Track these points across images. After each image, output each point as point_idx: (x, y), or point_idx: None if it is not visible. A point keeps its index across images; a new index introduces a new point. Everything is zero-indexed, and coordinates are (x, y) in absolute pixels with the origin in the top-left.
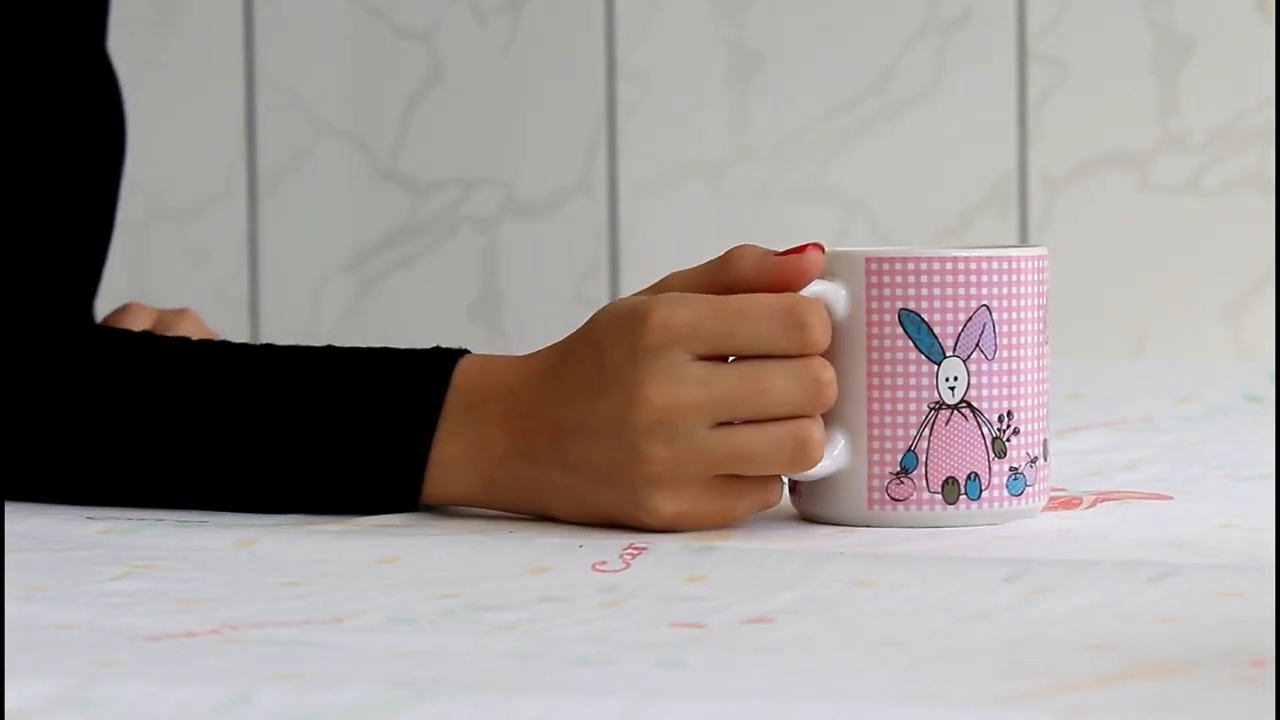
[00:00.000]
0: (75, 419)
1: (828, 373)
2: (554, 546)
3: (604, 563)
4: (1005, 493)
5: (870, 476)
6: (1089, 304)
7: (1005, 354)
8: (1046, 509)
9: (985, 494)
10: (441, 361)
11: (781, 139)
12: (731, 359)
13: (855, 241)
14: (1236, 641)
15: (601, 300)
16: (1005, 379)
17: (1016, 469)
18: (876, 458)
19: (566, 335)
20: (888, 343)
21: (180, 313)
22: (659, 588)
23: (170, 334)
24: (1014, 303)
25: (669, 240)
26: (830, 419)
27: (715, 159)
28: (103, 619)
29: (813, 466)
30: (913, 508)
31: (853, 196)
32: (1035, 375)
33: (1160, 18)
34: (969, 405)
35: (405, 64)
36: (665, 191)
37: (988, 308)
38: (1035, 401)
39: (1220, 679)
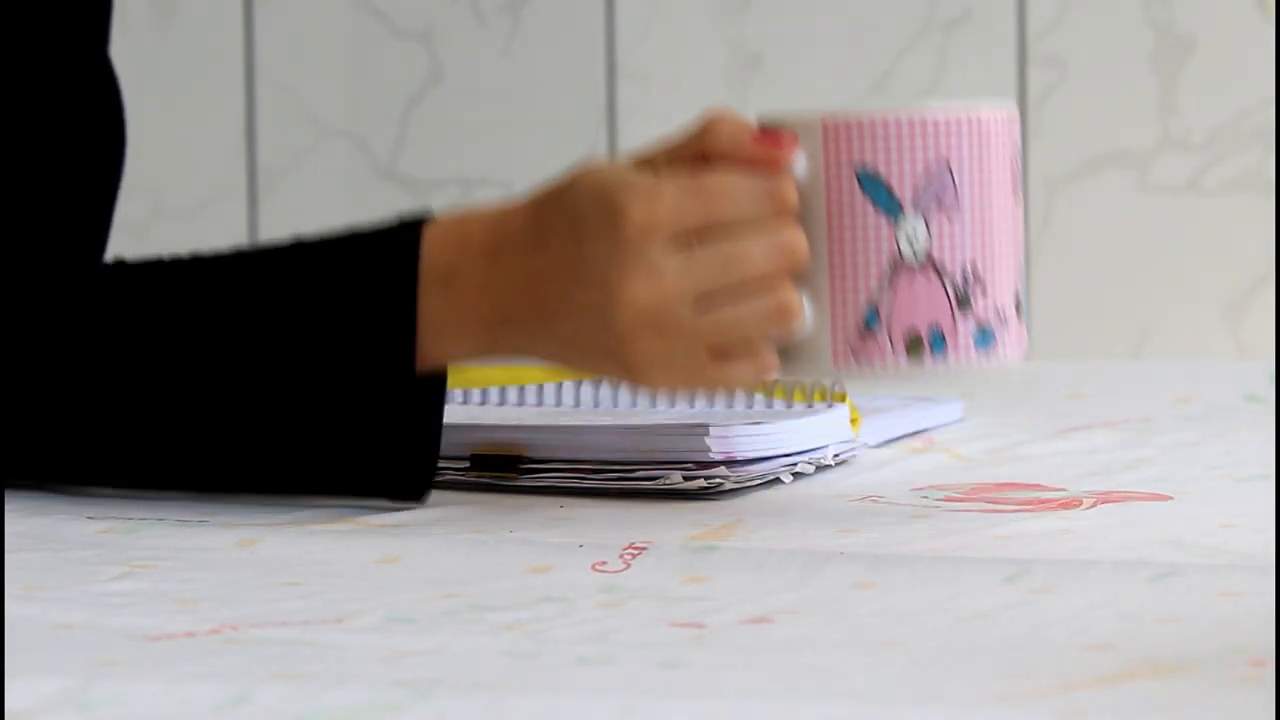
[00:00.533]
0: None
1: (799, 238)
2: (554, 546)
3: (604, 563)
4: (971, 348)
5: (835, 335)
6: (1089, 304)
7: (968, 211)
8: (1046, 509)
9: (951, 349)
10: (408, 235)
11: None
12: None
13: None
14: (1236, 641)
15: None
16: (968, 235)
17: (984, 325)
18: (840, 317)
19: (541, 190)
20: (846, 202)
21: None
22: (659, 588)
23: None
24: (977, 160)
25: None
26: (798, 282)
27: None
28: (103, 619)
29: (789, 325)
30: (878, 364)
31: None
32: (1003, 232)
33: (1160, 18)
34: (931, 262)
35: (405, 64)
36: None
37: (948, 165)
38: (1003, 258)
39: (1220, 679)
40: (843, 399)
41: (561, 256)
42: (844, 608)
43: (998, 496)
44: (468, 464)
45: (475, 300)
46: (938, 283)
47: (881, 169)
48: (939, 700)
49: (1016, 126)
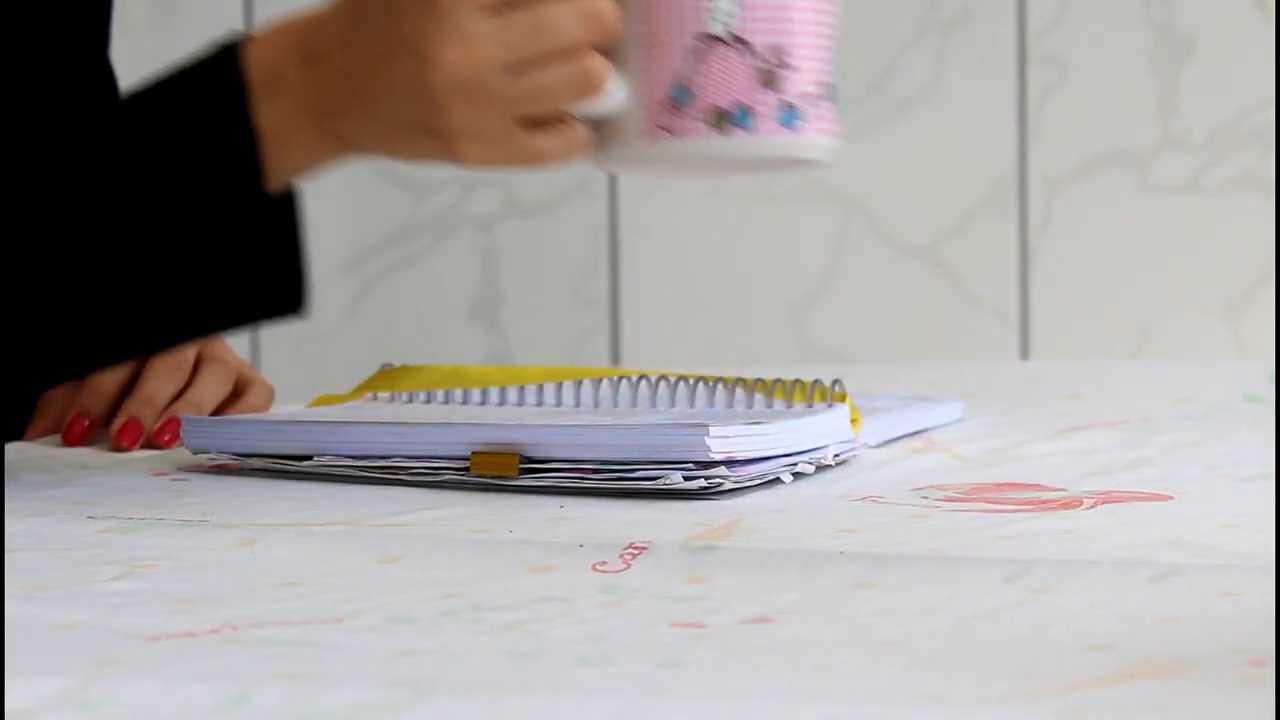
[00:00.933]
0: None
1: (605, 5)
2: (554, 546)
3: (604, 563)
4: (777, 125)
5: (643, 109)
6: (1089, 304)
7: None
8: (1046, 509)
9: (755, 125)
10: (227, 54)
11: None
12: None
13: (856, 241)
14: (1236, 641)
15: (602, 300)
16: (776, 13)
17: (789, 103)
18: (649, 90)
19: None
20: None
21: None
22: (659, 588)
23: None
24: None
25: (669, 240)
26: (607, 57)
27: None
28: (103, 619)
29: (599, 94)
30: (684, 138)
31: (853, 196)
32: (813, 13)
33: (1160, 18)
34: (737, 38)
35: None
36: (665, 191)
37: None
38: (813, 39)
39: (1220, 679)
40: (843, 399)
41: (377, 35)
42: (844, 608)
43: (998, 496)
44: (468, 464)
45: (300, 99)
46: (745, 60)
47: None
48: (939, 700)
49: None
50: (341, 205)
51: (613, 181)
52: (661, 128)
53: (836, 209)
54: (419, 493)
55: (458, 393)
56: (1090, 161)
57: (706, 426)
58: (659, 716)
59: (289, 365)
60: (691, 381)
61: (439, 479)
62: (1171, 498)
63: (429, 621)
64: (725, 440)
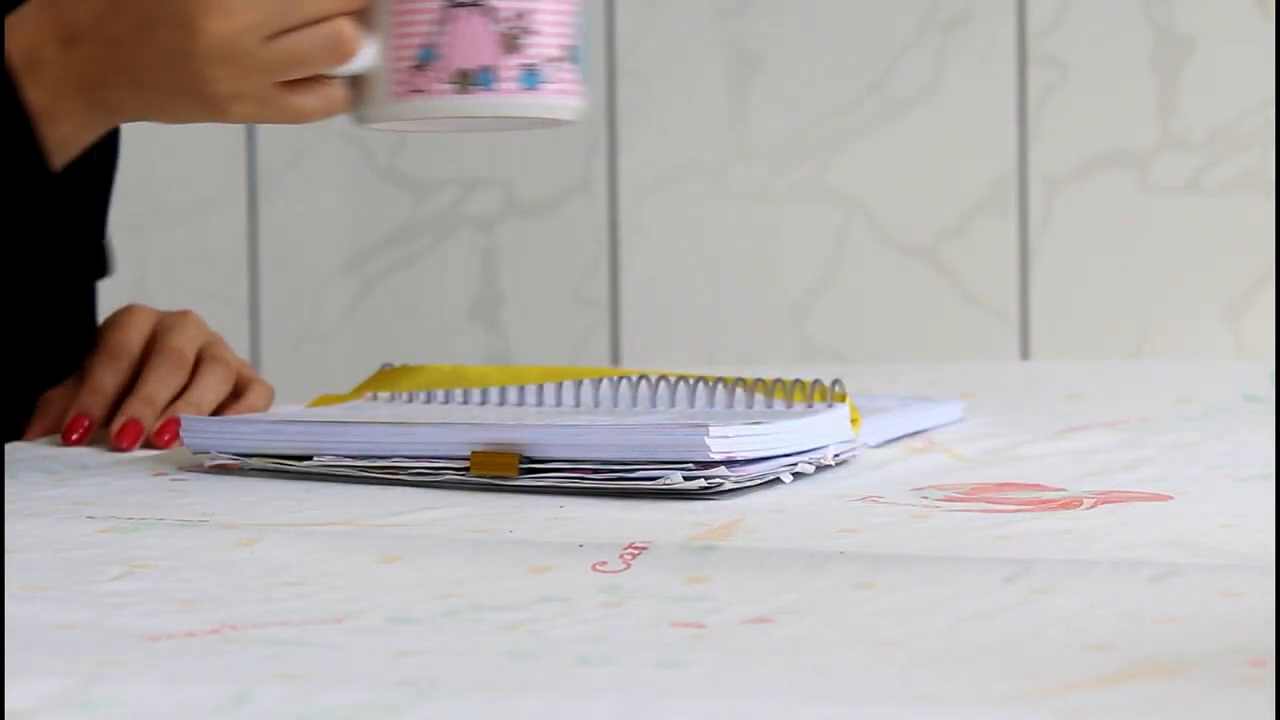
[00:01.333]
0: None
1: None
2: (554, 546)
3: (604, 563)
4: (518, 86)
5: (393, 70)
6: (1089, 304)
7: None
8: (1046, 509)
9: (498, 85)
10: None
11: (781, 139)
12: None
13: (856, 241)
14: (1236, 641)
15: (602, 300)
16: None
17: (532, 65)
18: (398, 52)
19: None
20: None
21: (182, 314)
22: (659, 588)
23: (171, 336)
24: None
25: (669, 240)
26: (360, 22)
27: (715, 159)
28: (103, 619)
29: (352, 59)
30: (431, 97)
31: (853, 196)
32: None
33: (1160, 18)
34: (482, 4)
35: None
36: (665, 191)
37: None
38: (556, 5)
39: (1220, 679)
40: (843, 399)
41: (138, 6)
42: (844, 608)
43: (998, 496)
44: (467, 464)
45: (62, 76)
46: (488, 25)
47: None
48: (939, 700)
49: None
50: (341, 205)
51: (613, 181)
52: (410, 88)
53: (836, 209)
54: (419, 493)
55: (458, 393)
56: (1090, 161)
57: (706, 426)
58: (659, 716)
59: (289, 365)
60: (691, 381)
61: (439, 479)
62: (1171, 498)
63: (429, 621)
64: (725, 440)
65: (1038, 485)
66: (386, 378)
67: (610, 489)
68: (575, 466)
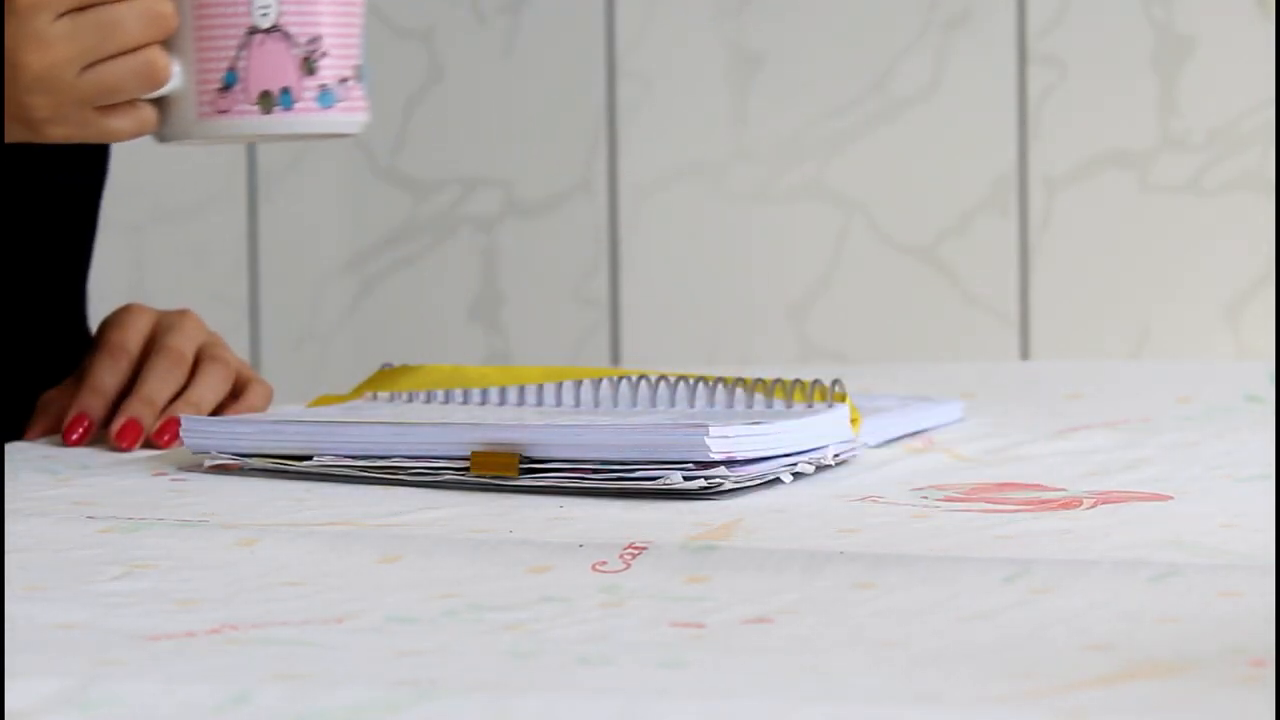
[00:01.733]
0: None
1: (166, 6)
2: (554, 546)
3: (604, 563)
4: (316, 105)
5: (199, 92)
6: (1089, 304)
7: None
8: (1046, 509)
9: (298, 105)
10: None
11: (781, 139)
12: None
13: (856, 241)
14: (1236, 641)
15: (602, 300)
16: (313, 8)
17: (326, 86)
18: (203, 76)
19: None
20: None
21: (181, 313)
22: (659, 588)
23: (170, 335)
24: None
25: (669, 240)
26: (169, 48)
27: (715, 159)
28: (103, 619)
29: (163, 85)
30: (235, 117)
31: (852, 196)
32: (343, 8)
33: (1160, 18)
34: (280, 30)
35: (405, 64)
36: (665, 191)
37: None
38: (344, 31)
39: (1220, 679)
40: (843, 399)
41: None
42: (844, 608)
43: (998, 496)
44: (467, 464)
45: None
46: (287, 49)
47: None
48: (939, 700)
49: None
50: (341, 205)
51: (613, 181)
52: (216, 108)
53: (836, 209)
54: (419, 493)
55: (458, 392)
56: (1090, 161)
57: (706, 426)
58: (659, 716)
59: (289, 365)
60: (691, 381)
61: (439, 479)
62: (1171, 498)
63: (429, 621)
64: (725, 440)
65: (1038, 485)
66: (386, 378)
67: (610, 489)
68: (575, 466)
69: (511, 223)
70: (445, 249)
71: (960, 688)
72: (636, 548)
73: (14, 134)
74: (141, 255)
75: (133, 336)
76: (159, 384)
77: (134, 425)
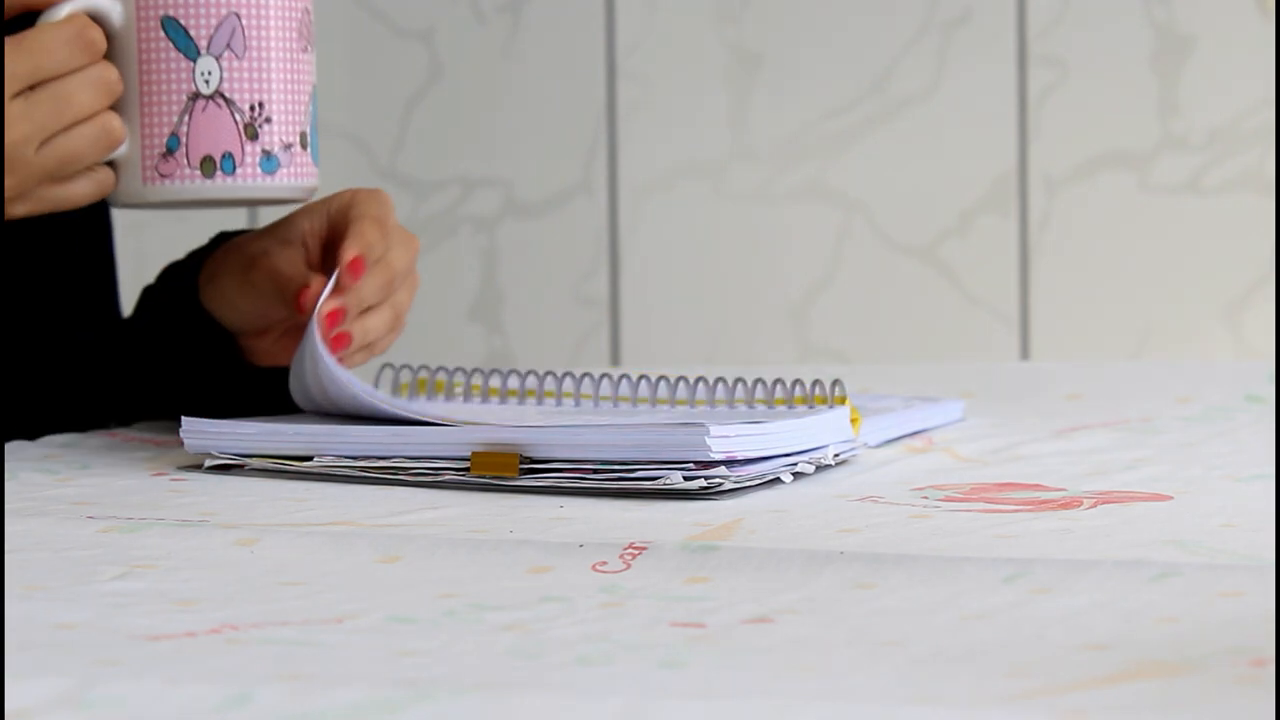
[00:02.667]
0: None
1: (112, 72)
2: (554, 546)
3: (604, 563)
4: (259, 171)
5: (144, 158)
6: (1089, 304)
7: (255, 54)
8: (1046, 509)
9: (240, 171)
10: None
11: (781, 139)
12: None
13: (856, 241)
14: (1236, 641)
15: (602, 300)
16: (256, 75)
17: (269, 152)
18: (147, 142)
19: None
20: (153, 45)
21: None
22: (659, 588)
23: (394, 251)
24: (264, 11)
25: (669, 240)
26: (117, 112)
27: (715, 159)
28: (103, 619)
29: (118, 147)
30: (178, 182)
31: (853, 196)
32: (288, 74)
33: (1160, 18)
34: (222, 96)
35: (405, 64)
36: (665, 191)
37: (237, 15)
38: (288, 98)
39: (1220, 679)
40: (843, 400)
41: None
42: (844, 608)
43: (998, 496)
44: (467, 464)
45: None
46: (228, 114)
47: (181, 16)
48: (939, 700)
49: None
50: None
51: (613, 181)
52: (159, 173)
53: (836, 209)
54: (419, 493)
55: (458, 391)
56: (1090, 161)
57: (706, 426)
58: (659, 716)
59: None
60: (691, 381)
61: (439, 479)
62: (1171, 498)
63: (429, 621)
64: (725, 440)
65: (1038, 485)
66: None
67: (610, 489)
68: (575, 466)
69: (511, 223)
70: (445, 249)
71: (960, 688)
72: (636, 548)
73: None
74: (141, 255)
75: (382, 249)
76: (369, 295)
77: (347, 339)
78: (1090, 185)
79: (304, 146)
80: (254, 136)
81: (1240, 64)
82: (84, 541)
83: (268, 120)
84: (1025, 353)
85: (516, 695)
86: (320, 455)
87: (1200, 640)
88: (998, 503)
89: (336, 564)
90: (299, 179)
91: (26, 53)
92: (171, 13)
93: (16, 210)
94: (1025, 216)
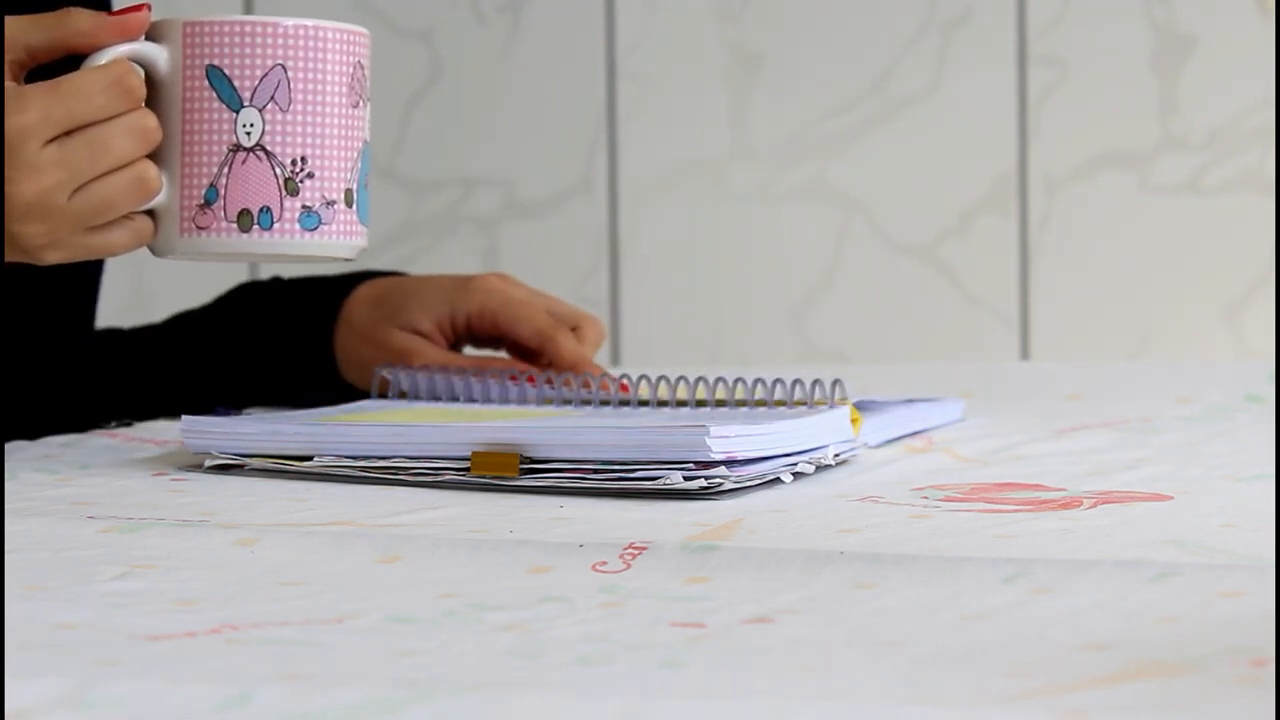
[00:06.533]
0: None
1: (151, 120)
2: (554, 546)
3: (604, 563)
4: (298, 227)
5: (182, 209)
6: (1089, 304)
7: (300, 108)
8: (1046, 509)
9: (278, 226)
10: None
11: (781, 139)
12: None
13: (856, 241)
14: (1236, 641)
15: (602, 300)
16: (300, 129)
17: (310, 208)
18: (186, 192)
19: None
20: (197, 94)
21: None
22: (659, 588)
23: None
24: (313, 64)
25: (669, 240)
26: (155, 161)
27: (715, 159)
28: (103, 619)
29: (154, 197)
30: (214, 235)
31: (853, 196)
32: (334, 130)
33: (1160, 18)
34: (263, 148)
35: (405, 64)
36: (665, 191)
37: (283, 67)
38: (334, 153)
39: (1220, 679)
40: (843, 400)
41: None
42: (844, 608)
43: (998, 496)
44: (468, 464)
45: None
46: (268, 167)
47: (227, 66)
48: (939, 700)
49: (363, 40)
50: None
51: (613, 181)
52: (196, 225)
53: (836, 209)
54: (419, 493)
55: (459, 391)
56: (1090, 161)
57: (706, 426)
58: (659, 716)
59: None
60: (691, 381)
61: (439, 479)
62: (1171, 498)
63: (429, 621)
64: (725, 440)
65: (1038, 485)
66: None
67: (610, 489)
68: (575, 466)
69: (511, 223)
70: (445, 249)
71: (960, 688)
72: (636, 548)
73: (12, 255)
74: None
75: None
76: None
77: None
78: (1090, 185)
79: (349, 204)
80: (294, 191)
81: (1240, 64)
82: (84, 541)
83: (310, 175)
84: (1025, 353)
85: (516, 695)
86: (320, 455)
87: (1200, 640)
88: (998, 503)
89: (336, 564)
90: (342, 237)
91: (64, 97)
92: (217, 62)
93: (50, 257)
94: (1025, 216)
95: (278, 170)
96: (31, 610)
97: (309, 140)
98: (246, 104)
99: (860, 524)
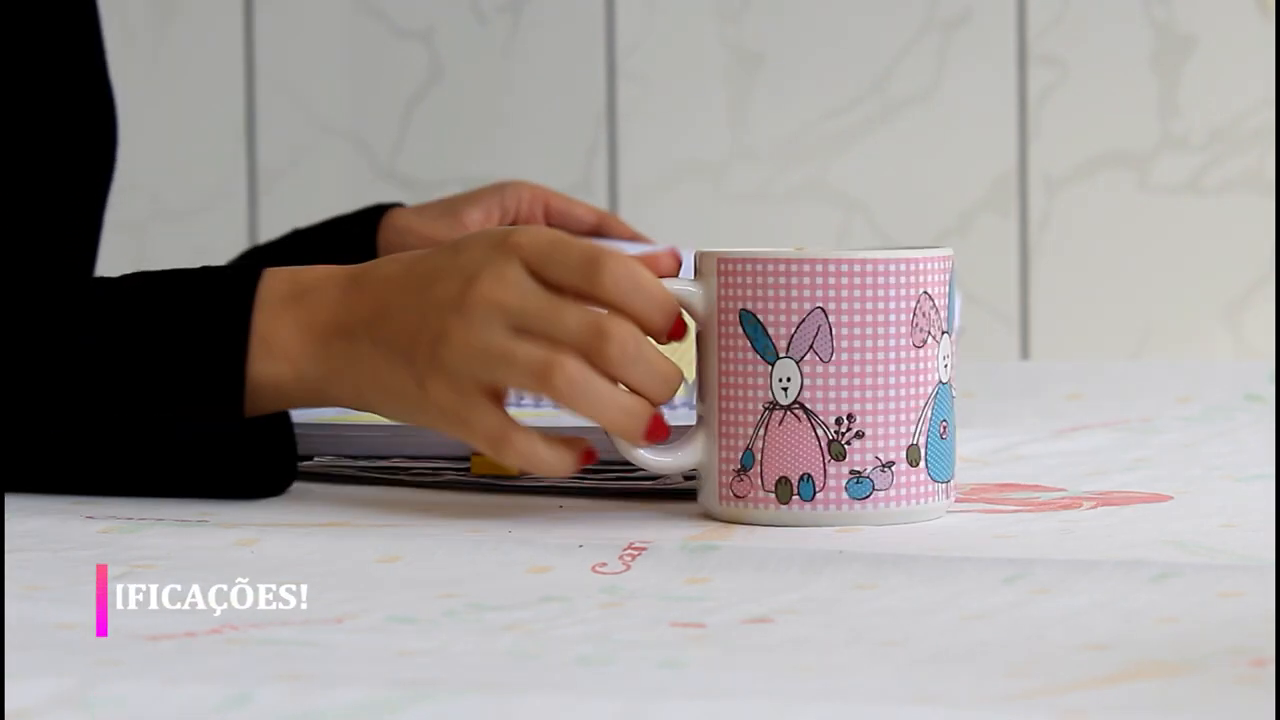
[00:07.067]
0: None
1: (615, 327)
2: (554, 546)
3: (604, 563)
4: (845, 496)
5: (719, 473)
6: (1089, 304)
7: (844, 357)
8: (1046, 509)
9: (820, 495)
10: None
11: (781, 139)
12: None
13: (856, 241)
14: (1236, 641)
15: None
16: (843, 381)
17: (859, 473)
18: (724, 454)
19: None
20: (731, 342)
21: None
22: (659, 588)
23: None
24: (856, 305)
25: (669, 240)
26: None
27: (715, 159)
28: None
29: (551, 389)
30: (751, 505)
31: (853, 196)
32: (893, 378)
33: (1160, 18)
34: (802, 406)
35: (405, 64)
36: (665, 191)
37: (823, 310)
38: (889, 406)
39: (1220, 679)
40: None
41: (432, 266)
42: (844, 608)
43: (998, 496)
44: (468, 464)
45: (321, 310)
46: (809, 428)
47: (761, 311)
48: (939, 700)
49: (934, 266)
50: (341, 205)
51: (612, 181)
52: (734, 493)
53: (837, 209)
54: (419, 493)
55: None
56: (1090, 161)
57: None
58: (659, 716)
59: None
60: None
61: (439, 479)
62: (1171, 498)
63: (429, 621)
64: None
65: (1038, 485)
66: None
67: (610, 489)
68: None
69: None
70: None
71: (960, 688)
72: (636, 548)
73: (410, 361)
74: (142, 254)
75: None
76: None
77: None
78: (1090, 185)
79: (913, 463)
80: (839, 455)
81: (1240, 64)
82: (84, 541)
83: (858, 435)
84: (1025, 352)
85: (516, 695)
86: (320, 455)
87: (1200, 640)
88: (998, 503)
89: (336, 564)
90: (902, 503)
91: (582, 259)
92: (752, 307)
93: (437, 390)
94: (1025, 216)
95: (819, 431)
96: (31, 610)
97: (856, 395)
98: (782, 355)
99: (860, 524)
